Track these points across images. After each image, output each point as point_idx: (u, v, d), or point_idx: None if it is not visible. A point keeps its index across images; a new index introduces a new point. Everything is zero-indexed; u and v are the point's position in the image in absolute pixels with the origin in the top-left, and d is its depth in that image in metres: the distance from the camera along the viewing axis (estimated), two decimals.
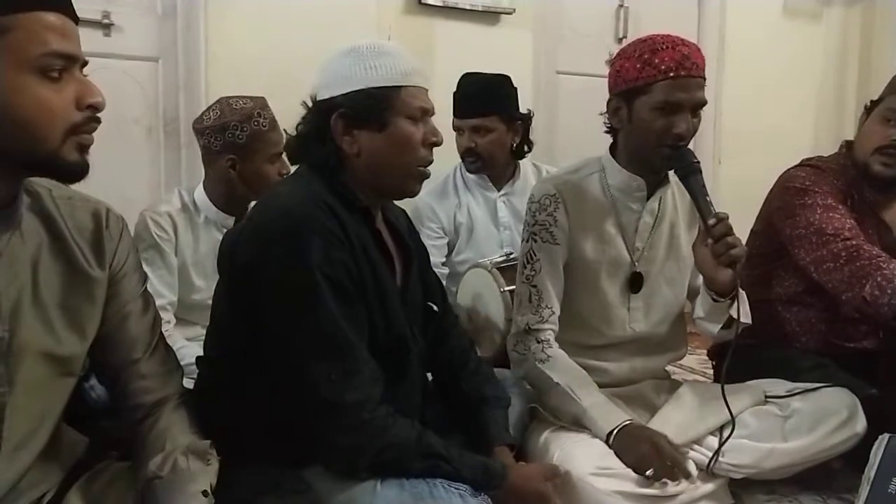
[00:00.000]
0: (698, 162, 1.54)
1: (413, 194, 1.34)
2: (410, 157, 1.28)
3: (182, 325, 1.98)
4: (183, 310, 1.98)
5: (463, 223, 2.40)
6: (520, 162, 2.44)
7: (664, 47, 1.53)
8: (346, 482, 1.18)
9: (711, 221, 1.47)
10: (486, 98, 2.29)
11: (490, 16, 3.25)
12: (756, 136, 3.78)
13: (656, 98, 1.53)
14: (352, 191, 1.27)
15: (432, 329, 1.48)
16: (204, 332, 1.90)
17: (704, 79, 1.56)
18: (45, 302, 1.00)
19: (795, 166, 1.94)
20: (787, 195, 1.85)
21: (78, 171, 0.96)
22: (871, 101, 1.89)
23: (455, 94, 2.35)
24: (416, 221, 2.07)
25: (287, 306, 1.16)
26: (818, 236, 1.74)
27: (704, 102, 1.56)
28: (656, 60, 1.52)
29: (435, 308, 1.49)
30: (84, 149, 0.96)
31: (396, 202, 1.45)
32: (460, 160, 2.40)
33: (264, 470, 1.18)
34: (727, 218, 1.47)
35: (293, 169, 1.37)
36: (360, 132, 1.25)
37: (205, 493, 1.00)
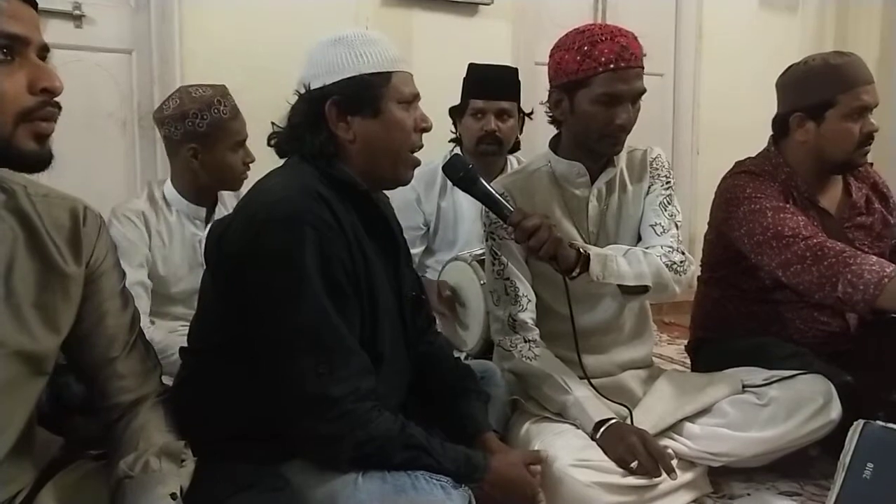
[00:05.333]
0: (471, 167, 1.46)
1: (406, 182, 1.35)
2: (403, 141, 1.29)
3: (160, 317, 1.95)
4: (160, 303, 1.95)
5: (450, 213, 2.39)
6: (508, 158, 2.43)
7: (602, 39, 1.54)
8: (326, 476, 1.17)
9: (512, 222, 1.43)
10: (511, 84, 2.30)
11: (468, 7, 3.24)
12: (733, 127, 3.80)
13: (597, 91, 1.54)
14: (351, 175, 1.27)
15: (419, 320, 1.48)
16: (178, 323, 1.91)
17: (642, 68, 1.56)
18: (19, 300, 0.99)
19: (731, 174, 1.92)
20: (732, 205, 1.84)
21: (36, 161, 0.93)
22: (806, 107, 1.82)
23: (479, 76, 2.32)
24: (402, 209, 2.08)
25: (277, 298, 1.15)
26: (777, 240, 1.72)
27: (643, 91, 1.57)
28: (595, 52, 1.53)
29: (423, 296, 1.49)
30: (42, 137, 0.92)
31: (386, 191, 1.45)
32: (455, 150, 2.36)
33: (242, 467, 1.17)
34: (524, 218, 1.41)
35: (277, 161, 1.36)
36: (355, 118, 1.26)
37: (173, 496, 0.98)
